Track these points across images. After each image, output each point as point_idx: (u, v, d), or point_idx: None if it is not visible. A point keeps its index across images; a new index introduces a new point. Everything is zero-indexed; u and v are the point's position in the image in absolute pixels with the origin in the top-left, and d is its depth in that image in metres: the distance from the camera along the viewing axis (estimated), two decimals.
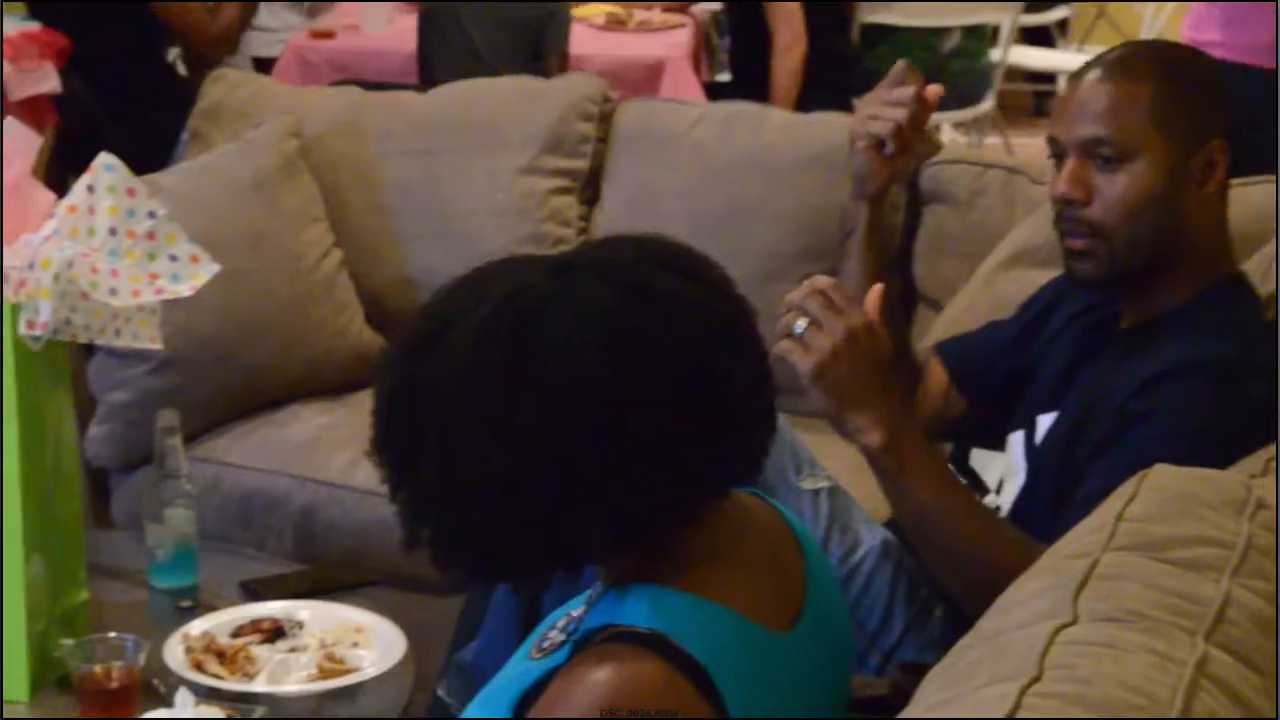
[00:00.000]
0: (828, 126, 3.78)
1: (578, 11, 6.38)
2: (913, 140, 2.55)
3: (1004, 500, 2.48)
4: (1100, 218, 2.33)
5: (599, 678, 1.61)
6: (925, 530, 2.28)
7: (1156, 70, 2.34)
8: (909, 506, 2.27)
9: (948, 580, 2.31)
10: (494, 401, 1.61)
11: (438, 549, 1.71)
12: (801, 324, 2.17)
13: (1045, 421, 2.43)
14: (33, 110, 4.44)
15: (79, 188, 2.55)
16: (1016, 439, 2.49)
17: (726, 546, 1.72)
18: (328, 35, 6.14)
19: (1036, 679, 1.43)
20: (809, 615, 1.76)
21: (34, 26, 4.62)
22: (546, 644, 1.75)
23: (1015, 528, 2.31)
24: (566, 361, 1.61)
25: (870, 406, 2.20)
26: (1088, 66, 2.40)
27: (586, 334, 1.62)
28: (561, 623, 1.77)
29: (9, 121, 2.56)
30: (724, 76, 6.57)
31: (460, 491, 1.64)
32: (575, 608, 1.78)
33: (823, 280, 2.19)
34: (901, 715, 1.59)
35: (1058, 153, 2.39)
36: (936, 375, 2.66)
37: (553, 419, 1.60)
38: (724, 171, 3.76)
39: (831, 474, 2.52)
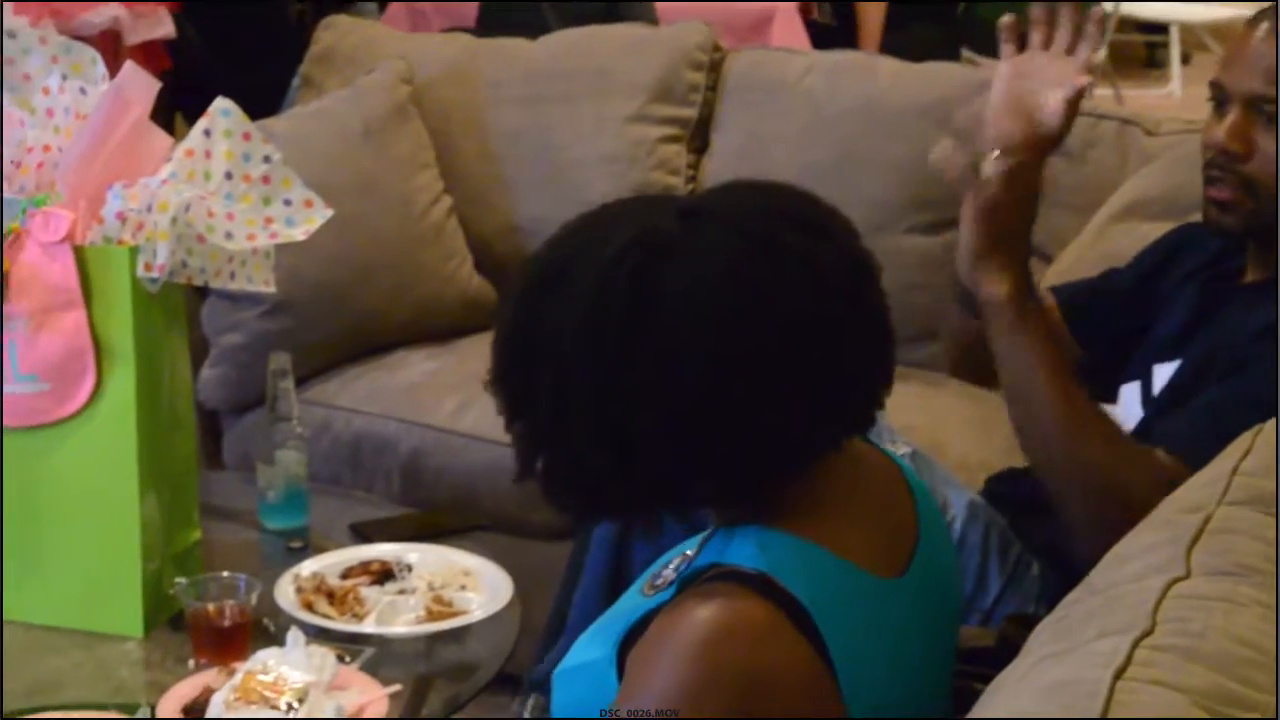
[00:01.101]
0: (938, 76, 3.77)
1: None
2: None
3: None
4: (1255, 173, 2.29)
5: (702, 615, 1.62)
6: (1025, 392, 2.24)
7: None
8: (1017, 363, 2.24)
9: (1035, 455, 2.27)
10: (611, 344, 1.62)
11: (549, 483, 1.71)
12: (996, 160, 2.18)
13: (1163, 371, 2.40)
14: (146, 55, 4.49)
15: (196, 132, 2.57)
16: (1130, 390, 2.46)
17: (838, 493, 1.73)
18: None
19: (1149, 632, 1.42)
20: (919, 564, 1.76)
21: None
22: (659, 581, 1.77)
23: (1114, 423, 2.29)
24: (685, 308, 1.61)
25: (1013, 255, 2.22)
26: (1263, 15, 2.33)
27: (709, 281, 1.62)
28: (675, 562, 1.78)
29: (128, 65, 2.58)
30: None
31: (574, 431, 1.65)
32: (690, 547, 1.79)
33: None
34: (1011, 666, 1.59)
35: (1220, 98, 2.34)
36: (1051, 315, 2.62)
37: (668, 365, 1.61)
38: (833, 121, 3.75)
39: (910, 440, 2.51)
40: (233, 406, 3.65)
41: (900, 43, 5.18)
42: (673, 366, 1.61)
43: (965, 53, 5.92)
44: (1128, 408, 2.45)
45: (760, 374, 1.62)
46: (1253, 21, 2.34)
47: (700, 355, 1.60)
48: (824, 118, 3.77)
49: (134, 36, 4.52)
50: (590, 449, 1.65)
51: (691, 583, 1.68)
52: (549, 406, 1.65)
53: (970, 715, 1.53)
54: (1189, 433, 2.23)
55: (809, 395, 1.65)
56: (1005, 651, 1.79)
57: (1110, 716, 1.31)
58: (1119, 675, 1.36)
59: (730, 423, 1.62)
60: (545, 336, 1.65)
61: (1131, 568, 1.61)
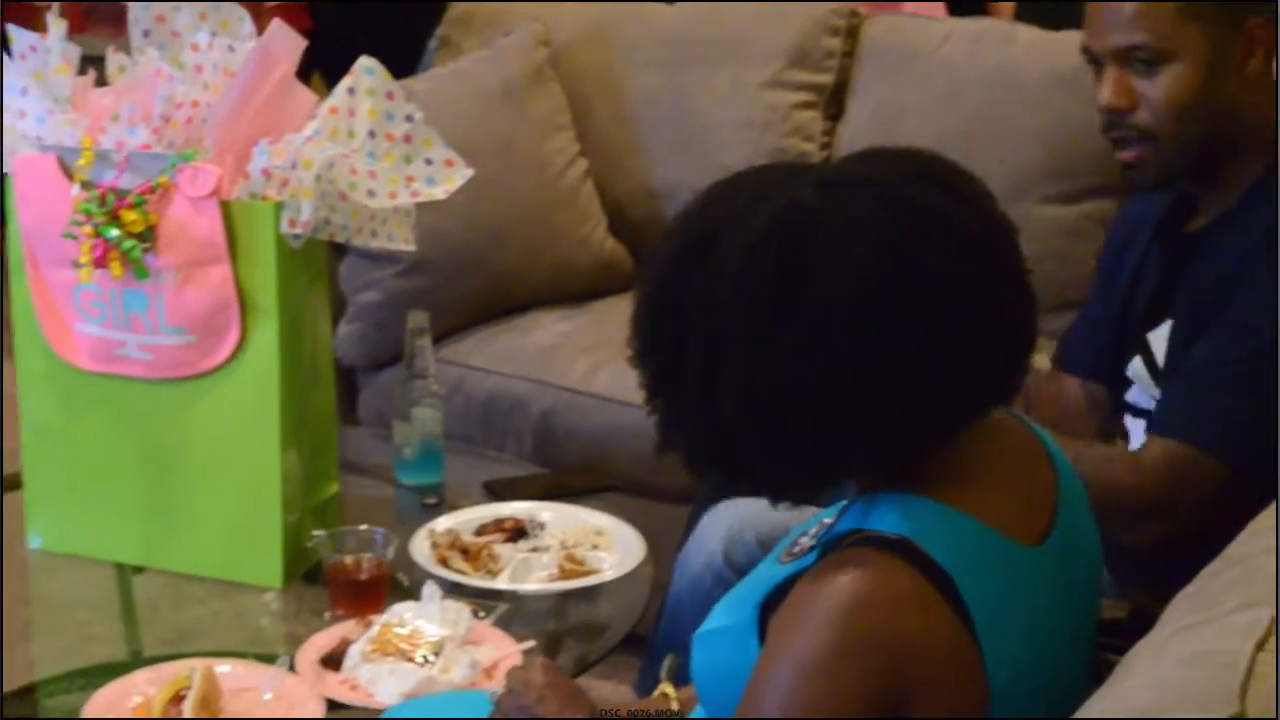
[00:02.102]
0: (1076, 44, 3.72)
1: None
2: None
3: None
4: (1147, 122, 2.31)
5: (845, 580, 1.62)
6: None
7: None
8: None
9: None
10: (763, 318, 1.62)
11: (694, 456, 1.72)
12: None
13: (1157, 339, 2.38)
14: (286, 14, 4.52)
15: (340, 90, 2.60)
16: (1135, 366, 2.43)
17: (980, 460, 1.72)
18: None
19: None
20: (1058, 532, 1.75)
21: None
22: (797, 549, 1.76)
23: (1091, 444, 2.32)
24: (836, 281, 1.60)
25: None
26: None
27: (856, 254, 1.61)
28: (814, 530, 1.78)
29: (275, 24, 2.61)
30: None
31: (722, 405, 1.64)
32: (828, 515, 1.79)
33: None
34: (1148, 637, 1.59)
35: (1094, 62, 2.36)
36: (1071, 389, 2.60)
37: (820, 337, 1.60)
38: (969, 88, 3.73)
39: None
40: (369, 363, 3.69)
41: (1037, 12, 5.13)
42: (824, 338, 1.60)
43: None
44: (1141, 383, 2.42)
45: (911, 341, 1.61)
46: None
47: (852, 326, 1.60)
48: (960, 85, 3.75)
49: None
50: (740, 423, 1.65)
51: (833, 549, 1.68)
52: (698, 381, 1.65)
53: (1108, 685, 1.53)
54: (1177, 411, 2.29)
55: (959, 361, 1.64)
56: (1138, 622, 1.79)
57: (1251, 687, 1.31)
58: (1260, 646, 1.35)
59: (882, 392, 1.62)
60: (693, 312, 1.65)
61: (1269, 540, 1.60)
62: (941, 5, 5.65)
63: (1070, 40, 3.78)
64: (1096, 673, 1.75)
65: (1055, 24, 4.00)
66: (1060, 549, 1.74)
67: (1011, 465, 1.77)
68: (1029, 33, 3.89)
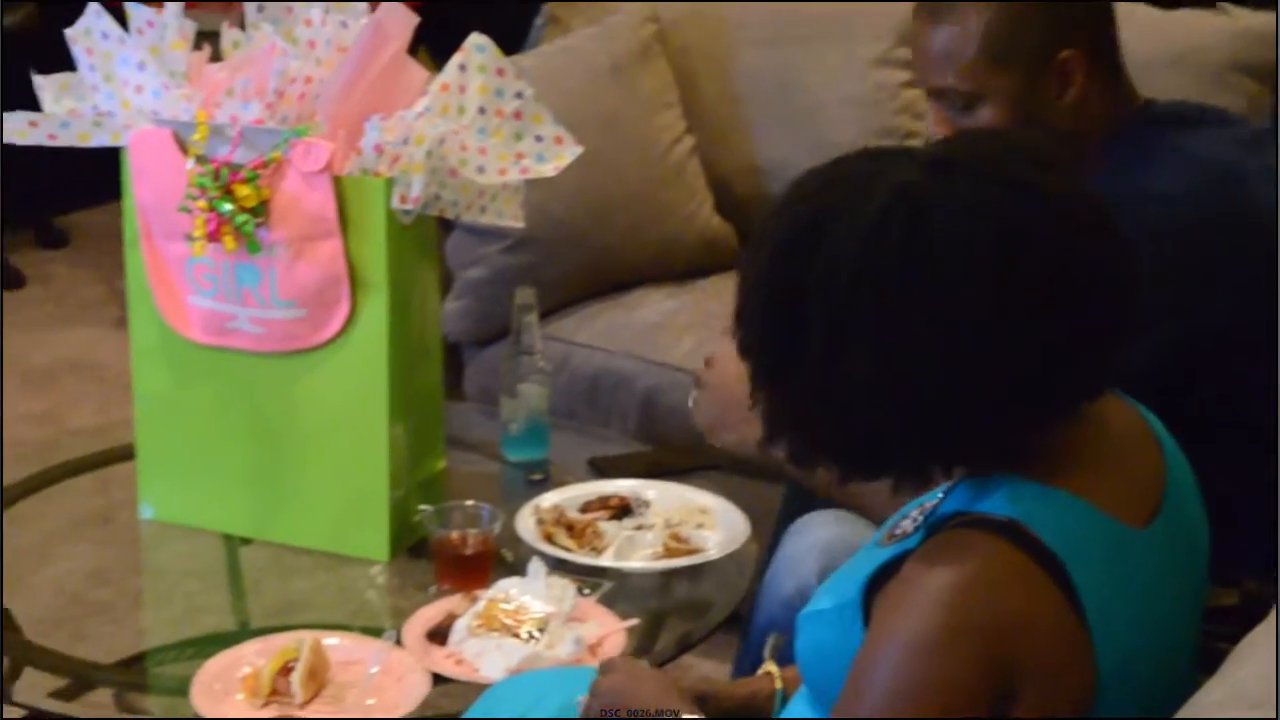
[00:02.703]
0: (1193, 24, 3.69)
1: None
2: None
3: None
4: None
5: (953, 561, 1.61)
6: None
7: (979, 2, 2.28)
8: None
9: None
10: (888, 304, 1.61)
11: (803, 445, 1.72)
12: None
13: None
14: None
15: (451, 67, 2.61)
16: None
17: (1086, 441, 1.71)
18: None
19: None
20: (1165, 514, 1.73)
21: None
22: (898, 532, 1.75)
23: None
24: (960, 263, 1.59)
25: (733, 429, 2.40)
26: (921, 8, 2.36)
27: (978, 235, 1.60)
28: (914, 513, 1.77)
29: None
30: None
31: (845, 392, 1.63)
32: (929, 499, 1.78)
33: None
34: (1264, 625, 1.57)
35: (926, 91, 2.38)
36: None
37: (946, 320, 1.59)
38: None
39: None
40: (474, 339, 3.71)
41: None
42: (948, 320, 1.59)
43: (1219, 2, 5.79)
44: None
45: (1031, 320, 1.60)
46: (915, 14, 2.37)
47: (974, 307, 1.59)
48: None
49: None
50: (861, 409, 1.63)
51: (938, 530, 1.67)
52: (820, 365, 1.63)
53: (1221, 674, 1.52)
54: None
55: (1076, 338, 1.63)
56: (1248, 610, 1.77)
57: None
58: None
59: (1004, 373, 1.61)
60: (810, 301, 1.63)
61: None
62: None
63: (1183, 20, 3.76)
64: (1206, 661, 1.74)
65: (1170, 2, 3.96)
66: (1168, 531, 1.73)
67: (1118, 445, 1.75)
68: (1143, 11, 3.84)
